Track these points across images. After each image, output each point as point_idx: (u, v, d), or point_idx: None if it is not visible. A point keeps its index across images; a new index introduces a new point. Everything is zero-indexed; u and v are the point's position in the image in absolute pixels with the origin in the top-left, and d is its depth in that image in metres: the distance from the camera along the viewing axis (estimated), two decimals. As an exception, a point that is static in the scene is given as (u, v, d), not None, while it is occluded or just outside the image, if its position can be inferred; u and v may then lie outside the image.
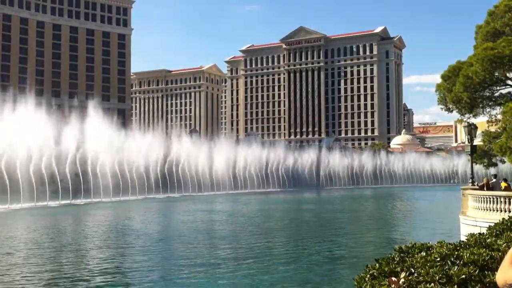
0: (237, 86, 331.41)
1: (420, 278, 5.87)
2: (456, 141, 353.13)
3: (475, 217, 31.48)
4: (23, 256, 39.30)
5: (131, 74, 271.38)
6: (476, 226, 29.95)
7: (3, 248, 43.27)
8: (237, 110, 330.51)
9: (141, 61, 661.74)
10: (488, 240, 7.70)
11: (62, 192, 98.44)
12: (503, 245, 7.27)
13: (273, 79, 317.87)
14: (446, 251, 6.83)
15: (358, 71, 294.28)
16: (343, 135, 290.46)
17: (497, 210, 29.78)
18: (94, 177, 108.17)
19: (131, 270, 34.97)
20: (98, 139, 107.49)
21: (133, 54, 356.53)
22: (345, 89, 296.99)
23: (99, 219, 70.93)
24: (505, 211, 28.74)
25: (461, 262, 6.32)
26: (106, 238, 50.50)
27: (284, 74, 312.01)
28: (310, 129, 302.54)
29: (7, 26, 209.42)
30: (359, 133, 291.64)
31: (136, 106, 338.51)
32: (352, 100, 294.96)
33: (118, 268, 35.53)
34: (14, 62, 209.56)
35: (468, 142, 40.93)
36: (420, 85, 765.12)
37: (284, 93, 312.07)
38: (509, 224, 9.34)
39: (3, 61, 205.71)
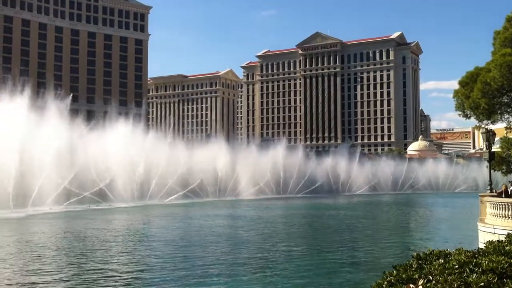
0: (253, 92, 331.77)
1: (438, 285, 5.83)
2: (474, 147, 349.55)
3: (493, 224, 31.14)
4: (51, 260, 39.71)
5: (148, 79, 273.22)
6: (494, 233, 29.64)
7: (36, 252, 43.84)
8: (253, 115, 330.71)
9: (157, 66, 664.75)
10: (507, 248, 7.64)
11: (83, 197, 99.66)
12: (522, 253, 7.20)
13: (289, 85, 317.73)
14: (465, 259, 6.79)
15: (375, 77, 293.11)
16: (359, 140, 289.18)
17: (516, 218, 29.43)
18: (117, 182, 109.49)
19: (154, 275, 35.18)
20: (122, 145, 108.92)
21: (149, 59, 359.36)
22: (361, 95, 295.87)
23: (123, 223, 71.33)
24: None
25: (480, 270, 6.27)
26: (137, 243, 50.79)
27: (300, 79, 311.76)
28: (326, 134, 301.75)
29: (26, 31, 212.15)
30: (375, 139, 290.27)
31: (152, 111, 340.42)
32: (368, 106, 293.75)
33: (146, 274, 35.74)
34: (33, 67, 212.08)
35: (486, 149, 40.57)
36: (437, 91, 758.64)
37: (300, 99, 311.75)
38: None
39: (21, 65, 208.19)
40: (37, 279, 32.32)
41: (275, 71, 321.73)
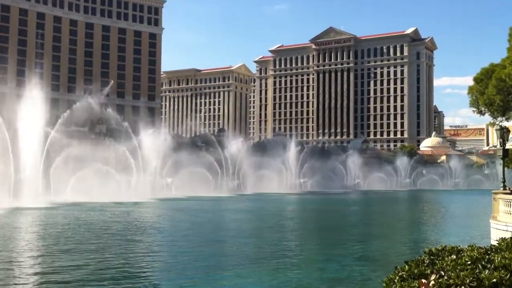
0: (265, 86, 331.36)
1: (451, 281, 5.86)
2: (487, 144, 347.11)
3: (506, 222, 30.94)
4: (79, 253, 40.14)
5: (162, 73, 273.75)
6: (507, 231, 29.46)
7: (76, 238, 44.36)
8: (266, 110, 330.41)
9: (171, 60, 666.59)
10: (520, 245, 7.62)
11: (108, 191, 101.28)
12: (535, 250, 7.19)
13: (302, 80, 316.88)
14: (477, 255, 6.80)
15: (388, 72, 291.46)
16: (371, 136, 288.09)
17: (529, 216, 29.23)
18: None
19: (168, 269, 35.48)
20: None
21: (163, 53, 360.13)
22: (375, 90, 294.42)
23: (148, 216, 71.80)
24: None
25: (492, 266, 6.29)
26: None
27: (313, 74, 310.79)
28: (338, 130, 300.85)
29: (41, 24, 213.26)
30: (388, 134, 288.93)
31: (165, 105, 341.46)
32: (381, 102, 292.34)
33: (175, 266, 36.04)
34: (48, 60, 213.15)
35: (500, 146, 40.27)
36: (451, 87, 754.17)
37: (313, 94, 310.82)
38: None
39: (37, 58, 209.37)
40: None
41: (288, 65, 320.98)
